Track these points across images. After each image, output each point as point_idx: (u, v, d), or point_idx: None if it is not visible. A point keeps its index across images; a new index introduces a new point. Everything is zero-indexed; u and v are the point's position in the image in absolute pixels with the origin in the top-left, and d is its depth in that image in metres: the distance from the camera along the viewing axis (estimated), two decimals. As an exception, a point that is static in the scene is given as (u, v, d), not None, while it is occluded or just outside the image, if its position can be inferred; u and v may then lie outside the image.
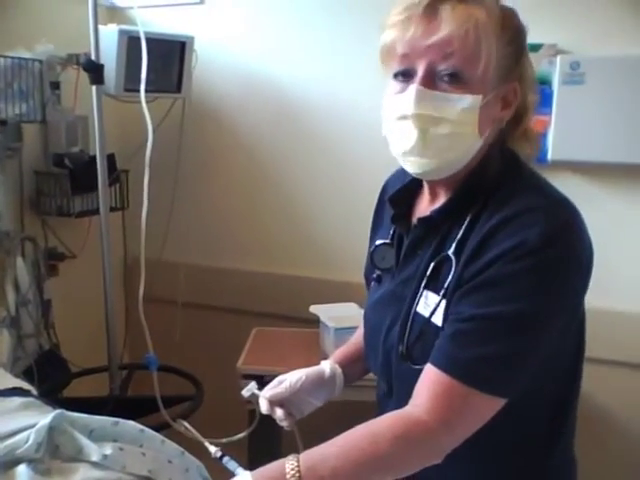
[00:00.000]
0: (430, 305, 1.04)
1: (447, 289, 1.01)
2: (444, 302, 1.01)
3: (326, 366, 1.26)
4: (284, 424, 1.20)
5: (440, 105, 0.97)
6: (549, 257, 0.93)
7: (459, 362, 0.94)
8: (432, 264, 1.05)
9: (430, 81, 0.97)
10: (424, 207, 1.13)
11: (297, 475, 0.89)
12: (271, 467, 0.92)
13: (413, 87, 0.97)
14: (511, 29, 0.99)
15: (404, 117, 1.00)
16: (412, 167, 1.05)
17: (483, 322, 0.94)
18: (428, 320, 1.03)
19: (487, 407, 0.95)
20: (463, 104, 0.96)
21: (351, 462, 0.92)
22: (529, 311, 0.94)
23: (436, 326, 1.02)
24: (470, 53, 0.95)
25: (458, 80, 0.96)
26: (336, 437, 0.95)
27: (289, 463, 0.90)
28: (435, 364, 0.97)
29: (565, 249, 0.95)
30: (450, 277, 1.00)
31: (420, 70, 0.97)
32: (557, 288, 0.96)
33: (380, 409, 1.22)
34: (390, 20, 0.99)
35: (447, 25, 0.94)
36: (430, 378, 0.96)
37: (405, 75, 0.99)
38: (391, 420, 0.96)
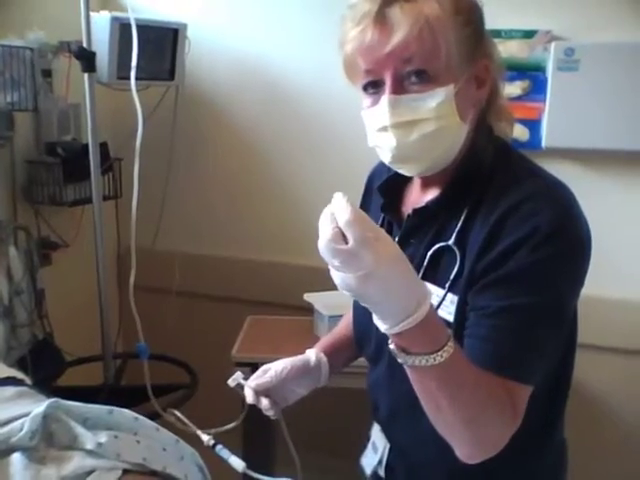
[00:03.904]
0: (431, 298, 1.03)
1: (453, 282, 1.00)
2: (451, 295, 1.01)
3: (311, 355, 1.25)
4: (270, 413, 1.20)
5: (415, 106, 0.98)
6: (562, 243, 0.95)
7: (504, 360, 0.93)
8: (429, 253, 1.04)
9: (399, 87, 0.97)
10: (415, 196, 1.13)
11: (446, 355, 0.84)
12: (441, 325, 0.87)
13: (385, 98, 0.98)
14: (465, 10, 0.98)
15: (383, 129, 1.00)
16: (405, 172, 1.07)
17: (512, 315, 0.94)
18: None
19: (527, 397, 0.96)
20: (437, 99, 0.97)
21: (469, 391, 0.89)
22: (552, 299, 0.95)
23: (444, 320, 1.00)
24: (429, 50, 0.94)
25: (425, 78, 0.96)
26: (472, 365, 0.91)
27: (450, 344, 0.85)
28: (479, 365, 0.93)
29: (573, 233, 0.97)
30: (455, 270, 1.00)
31: (387, 79, 0.97)
32: (572, 273, 0.97)
33: (373, 395, 1.23)
34: (346, 36, 0.99)
35: (399, 29, 0.93)
36: None
37: (374, 86, 1.00)
38: (501, 389, 0.92)
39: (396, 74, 0.97)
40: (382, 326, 0.84)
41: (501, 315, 0.94)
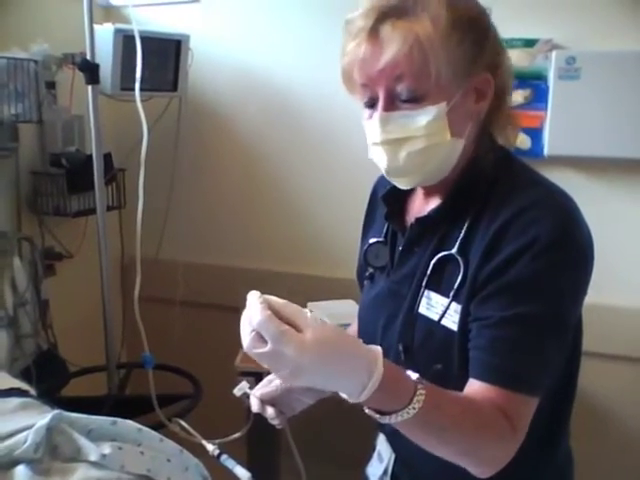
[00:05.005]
0: (435, 307, 1.04)
1: (457, 291, 1.00)
2: (455, 304, 1.00)
3: None
4: (275, 422, 1.20)
5: (406, 124, 0.98)
6: (562, 253, 0.95)
7: (506, 373, 0.94)
8: (432, 262, 1.05)
9: (391, 103, 0.98)
10: (418, 205, 1.13)
11: (419, 404, 0.84)
12: (403, 377, 0.86)
13: (376, 115, 0.99)
14: (463, 24, 0.96)
15: (375, 144, 1.02)
16: (399, 185, 1.09)
17: (513, 326, 0.94)
18: (437, 323, 1.02)
19: (533, 408, 0.96)
20: (427, 117, 0.97)
21: (455, 426, 0.89)
22: (554, 308, 0.95)
23: (448, 329, 1.01)
24: (419, 69, 0.94)
25: (416, 96, 0.97)
26: (455, 396, 0.92)
27: (420, 391, 0.84)
28: (482, 379, 0.95)
29: (575, 242, 0.97)
30: (459, 279, 1.00)
31: (380, 96, 0.98)
32: (574, 281, 0.97)
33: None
34: (344, 49, 1.00)
35: (390, 47, 0.94)
36: (481, 392, 0.94)
37: (371, 100, 1.01)
38: (493, 412, 0.92)
39: (388, 91, 0.98)
40: (345, 397, 0.83)
41: (503, 326, 0.94)
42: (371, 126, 1.01)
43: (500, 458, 0.93)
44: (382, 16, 0.95)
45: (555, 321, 0.96)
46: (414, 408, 0.83)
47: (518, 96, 2.13)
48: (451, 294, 1.01)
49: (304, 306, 2.45)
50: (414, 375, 0.87)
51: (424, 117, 0.97)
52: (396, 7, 0.95)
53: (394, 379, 0.83)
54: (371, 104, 1.01)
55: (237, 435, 1.33)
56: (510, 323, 0.94)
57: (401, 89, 0.96)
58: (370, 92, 1.00)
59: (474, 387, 0.96)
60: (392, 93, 0.97)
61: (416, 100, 0.97)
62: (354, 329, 1.31)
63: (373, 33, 0.95)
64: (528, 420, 0.95)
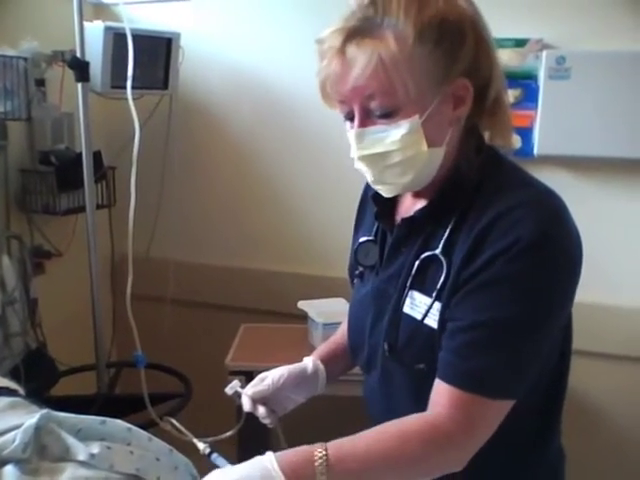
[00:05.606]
0: (419, 306, 1.04)
1: (440, 291, 1.00)
2: (437, 304, 1.01)
3: (308, 362, 1.26)
4: (267, 421, 1.20)
5: (381, 139, 0.99)
6: (543, 255, 0.94)
7: (470, 376, 0.95)
8: (417, 263, 1.05)
9: (367, 119, 0.99)
10: (407, 205, 1.13)
11: (324, 464, 0.88)
12: (297, 452, 0.91)
13: (352, 131, 1.00)
14: (432, 34, 0.93)
15: (355, 157, 1.03)
16: (382, 193, 1.09)
17: (485, 330, 0.94)
18: (420, 322, 1.02)
19: (501, 411, 0.97)
20: (401, 131, 0.97)
21: (379, 461, 0.92)
22: (529, 313, 0.94)
23: (430, 328, 1.01)
24: (387, 88, 0.94)
25: (389, 112, 0.97)
26: (364, 432, 0.95)
27: (318, 452, 0.89)
28: (446, 381, 0.96)
29: (557, 244, 0.95)
30: (442, 278, 1.00)
31: (356, 113, 0.99)
32: (553, 285, 0.96)
33: (369, 404, 1.23)
34: (318, 67, 1.01)
35: (356, 68, 0.94)
36: (444, 394, 0.96)
37: (349, 114, 1.02)
38: (420, 424, 0.96)
39: (362, 108, 0.98)
40: None
41: (473, 330, 0.95)
42: (350, 140, 1.02)
43: (457, 460, 0.96)
44: (349, 35, 0.95)
45: (531, 323, 0.95)
46: (322, 473, 0.87)
47: (508, 96, 2.14)
48: (434, 294, 1.01)
49: (295, 305, 2.44)
50: (315, 446, 0.90)
51: (398, 131, 0.97)
52: (362, 26, 0.94)
53: (300, 469, 0.87)
54: (351, 117, 1.02)
55: (229, 434, 1.33)
56: (481, 327, 0.94)
57: (374, 106, 0.97)
58: (347, 107, 1.01)
59: (438, 387, 0.97)
60: (366, 109, 0.98)
61: (390, 115, 0.97)
62: (344, 327, 1.31)
63: (340, 53, 0.95)
64: (493, 422, 0.96)
